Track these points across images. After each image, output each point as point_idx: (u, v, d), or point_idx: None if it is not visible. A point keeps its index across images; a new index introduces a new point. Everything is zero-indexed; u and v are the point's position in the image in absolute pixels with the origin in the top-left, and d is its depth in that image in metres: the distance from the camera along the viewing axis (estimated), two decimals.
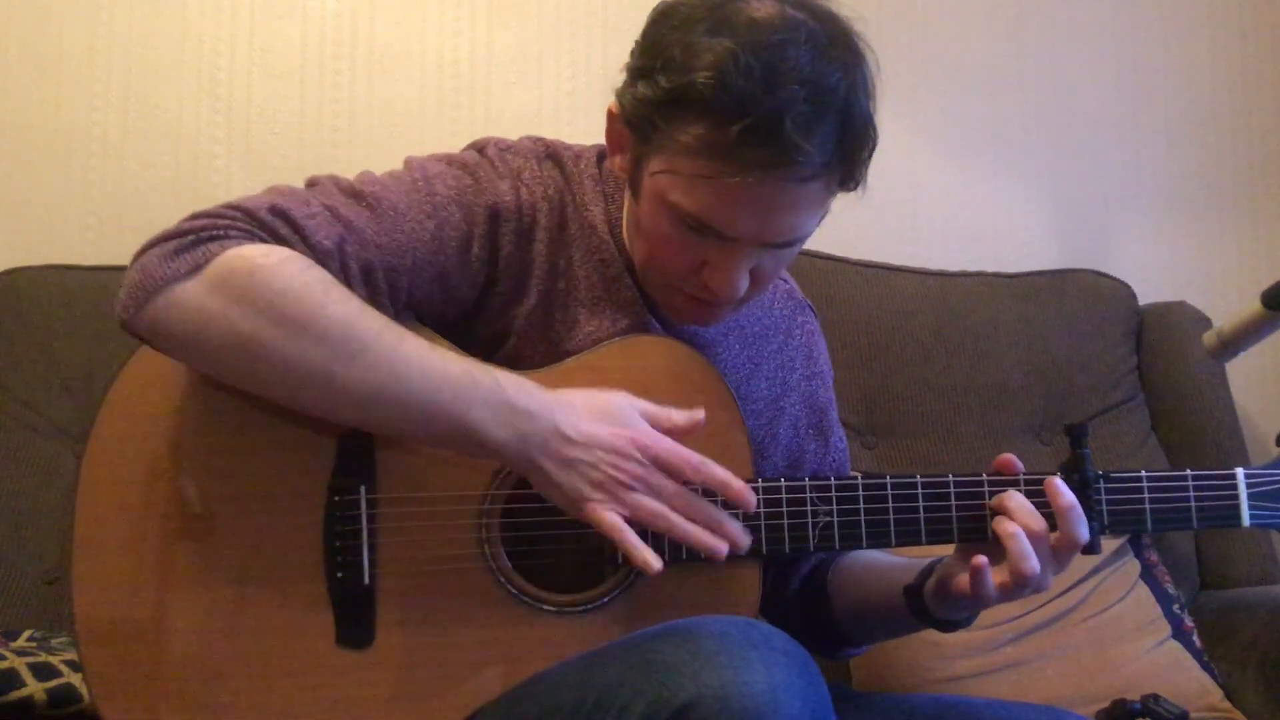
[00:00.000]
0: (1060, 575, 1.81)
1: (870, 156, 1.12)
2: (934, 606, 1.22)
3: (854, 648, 1.41)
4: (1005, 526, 1.14)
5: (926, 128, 2.42)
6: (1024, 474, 1.19)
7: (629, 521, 1.07)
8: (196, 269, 1.05)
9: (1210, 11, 2.55)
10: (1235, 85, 2.55)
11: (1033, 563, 1.12)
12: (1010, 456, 1.20)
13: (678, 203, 1.10)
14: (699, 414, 1.11)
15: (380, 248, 1.14)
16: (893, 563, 1.32)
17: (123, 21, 2.16)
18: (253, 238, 1.08)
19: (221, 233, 1.07)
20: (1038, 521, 1.14)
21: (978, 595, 1.14)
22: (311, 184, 1.18)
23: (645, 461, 1.07)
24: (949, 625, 1.25)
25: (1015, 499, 1.16)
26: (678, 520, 1.08)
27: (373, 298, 1.13)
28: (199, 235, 1.06)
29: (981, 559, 1.12)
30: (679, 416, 1.11)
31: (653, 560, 1.06)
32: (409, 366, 1.06)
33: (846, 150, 1.08)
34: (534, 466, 1.07)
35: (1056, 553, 1.15)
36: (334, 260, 1.10)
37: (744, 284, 1.15)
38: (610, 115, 1.18)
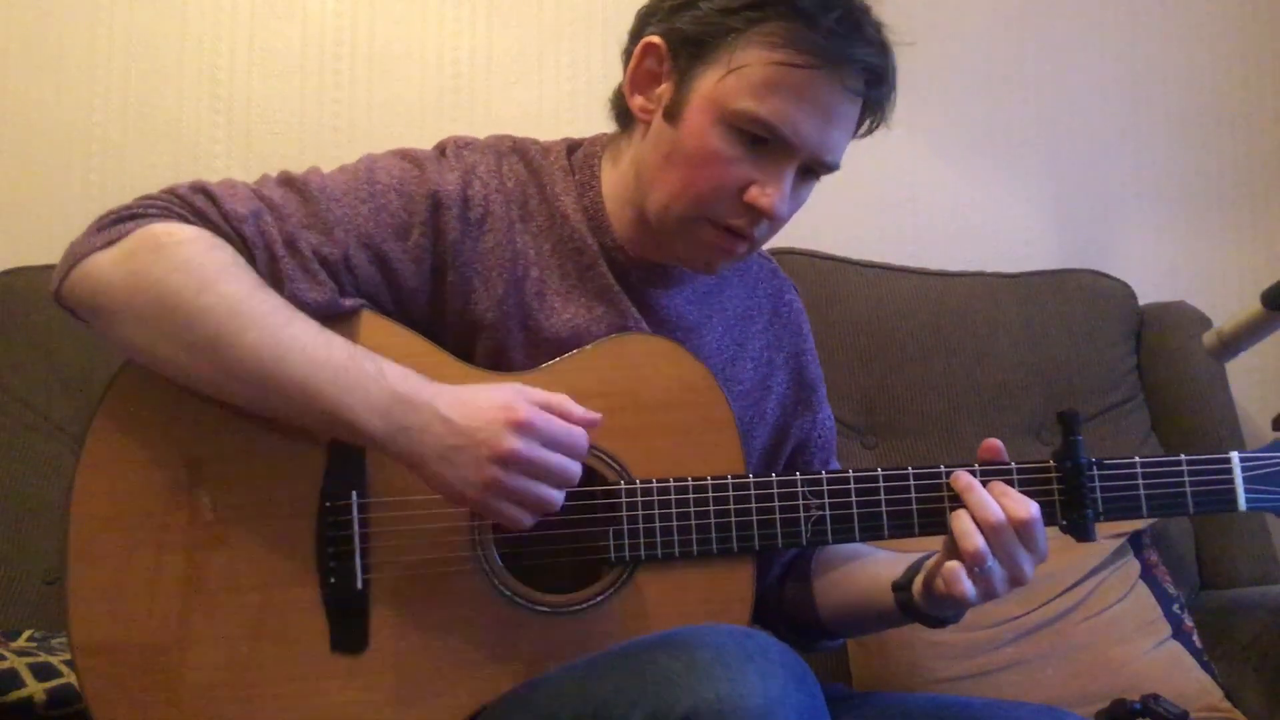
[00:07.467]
0: (1060, 575, 1.86)
1: (890, 102, 1.21)
2: (923, 603, 1.21)
3: (832, 640, 1.40)
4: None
5: (926, 128, 2.41)
6: (1017, 464, 1.19)
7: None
8: (110, 244, 1.10)
9: (1210, 11, 2.54)
10: (1235, 85, 2.54)
11: (976, 540, 1.10)
12: (996, 442, 1.20)
13: (743, 108, 1.13)
14: (597, 416, 1.10)
15: (306, 226, 1.15)
16: (878, 556, 1.31)
17: (123, 21, 2.17)
18: (170, 214, 1.12)
19: (141, 211, 1.12)
20: (991, 512, 1.11)
21: (951, 593, 1.12)
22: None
23: (527, 441, 1.05)
24: (937, 622, 1.23)
25: (963, 478, 1.16)
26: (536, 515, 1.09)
27: (303, 268, 1.14)
28: (120, 215, 1.12)
29: (954, 563, 1.11)
30: (576, 409, 1.10)
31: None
32: (292, 348, 1.07)
33: (886, 77, 1.18)
34: (414, 457, 1.07)
35: (1021, 536, 1.12)
36: (248, 224, 1.12)
37: (786, 205, 1.17)
38: (646, 49, 1.20)
